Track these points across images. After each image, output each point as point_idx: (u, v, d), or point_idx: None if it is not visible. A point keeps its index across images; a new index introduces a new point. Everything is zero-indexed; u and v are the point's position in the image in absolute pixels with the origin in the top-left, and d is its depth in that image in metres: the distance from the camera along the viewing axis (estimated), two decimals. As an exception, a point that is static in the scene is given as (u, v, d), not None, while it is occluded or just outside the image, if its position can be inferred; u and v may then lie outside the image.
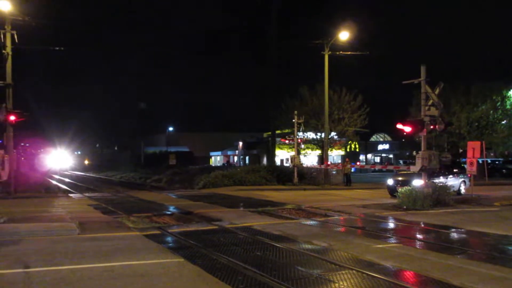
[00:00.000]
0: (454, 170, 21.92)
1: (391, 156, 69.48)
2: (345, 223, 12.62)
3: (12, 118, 19.67)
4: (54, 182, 33.65)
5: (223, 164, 70.05)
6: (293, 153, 31.68)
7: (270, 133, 40.42)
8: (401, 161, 57.64)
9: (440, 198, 16.25)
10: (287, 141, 36.07)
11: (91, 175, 53.32)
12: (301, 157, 36.87)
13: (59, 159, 52.95)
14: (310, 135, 38.93)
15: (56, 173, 48.74)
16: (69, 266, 7.47)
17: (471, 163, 18.97)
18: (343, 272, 7.16)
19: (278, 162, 49.78)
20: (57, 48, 23.92)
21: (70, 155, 61.02)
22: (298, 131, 30.86)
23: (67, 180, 40.96)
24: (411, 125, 16.19)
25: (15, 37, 21.13)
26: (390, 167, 32.54)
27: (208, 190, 24.85)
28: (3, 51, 20.89)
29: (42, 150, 50.51)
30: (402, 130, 16.54)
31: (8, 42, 20.99)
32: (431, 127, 16.14)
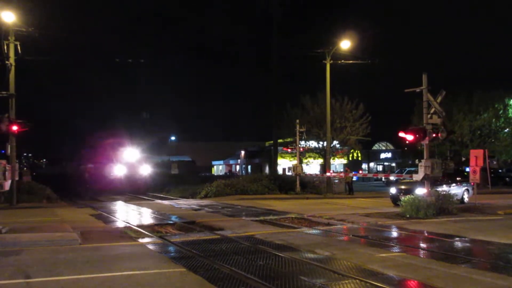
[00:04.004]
0: (457, 179, 21.84)
1: (393, 164, 69.33)
2: (348, 232, 12.54)
3: (15, 128, 19.71)
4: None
5: (225, 173, 70.01)
6: (295, 162, 31.62)
7: (272, 142, 40.35)
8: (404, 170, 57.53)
9: (444, 206, 16.16)
10: (289, 150, 36.00)
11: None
12: (303, 166, 36.81)
13: (130, 166, 34.47)
14: (312, 143, 38.86)
15: (122, 188, 32.70)
16: (70, 277, 7.43)
17: (474, 172, 18.88)
18: (347, 281, 7.10)
19: (280, 171, 49.61)
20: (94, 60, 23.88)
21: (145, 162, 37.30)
22: (300, 139, 30.84)
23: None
24: (413, 133, 16.15)
25: (19, 48, 21.28)
26: (391, 177, 32.47)
27: (210, 199, 24.80)
28: (6, 62, 21.01)
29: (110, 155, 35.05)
30: (404, 139, 16.51)
31: (12, 53, 21.11)
32: (434, 135, 16.11)
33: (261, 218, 15.73)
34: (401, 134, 16.27)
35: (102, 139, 38.28)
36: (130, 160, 34.30)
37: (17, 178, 21.01)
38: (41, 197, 22.86)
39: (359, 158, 59.37)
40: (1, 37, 20.59)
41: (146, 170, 34.80)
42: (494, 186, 29.99)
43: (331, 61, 29.33)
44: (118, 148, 34.97)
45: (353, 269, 7.91)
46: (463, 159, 35.72)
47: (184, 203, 22.67)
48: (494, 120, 35.44)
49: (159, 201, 25.20)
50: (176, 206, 21.33)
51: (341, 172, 42.33)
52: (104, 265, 8.30)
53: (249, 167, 67.10)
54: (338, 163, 54.21)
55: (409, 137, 16.15)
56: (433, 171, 15.92)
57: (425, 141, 16.26)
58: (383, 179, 45.02)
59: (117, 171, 33.23)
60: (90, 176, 38.71)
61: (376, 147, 69.26)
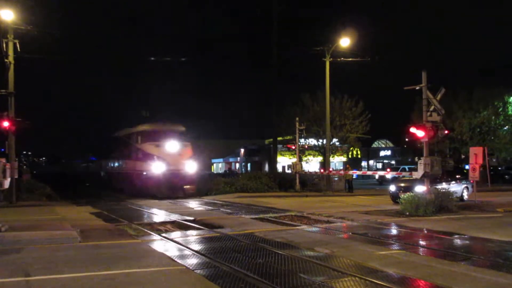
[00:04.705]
0: (457, 176, 21.85)
1: (393, 162, 69.42)
2: (348, 230, 12.55)
3: (14, 126, 19.71)
4: None
5: (225, 171, 69.99)
6: (295, 159, 31.64)
7: (271, 140, 40.39)
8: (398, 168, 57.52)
9: (443, 204, 16.16)
10: (293, 147, 36.03)
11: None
12: (303, 163, 36.82)
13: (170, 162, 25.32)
14: (312, 141, 38.93)
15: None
16: (70, 274, 7.43)
17: (474, 169, 18.89)
18: (346, 279, 7.11)
19: (280, 169, 49.70)
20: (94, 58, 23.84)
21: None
22: (300, 137, 30.84)
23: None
24: (424, 129, 16.09)
25: (18, 46, 21.24)
26: (389, 175, 32.44)
27: (209, 197, 24.80)
28: (6, 60, 20.97)
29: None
30: (414, 135, 16.48)
31: (11, 51, 21.06)
32: (446, 132, 16.18)
33: (261, 216, 15.73)
34: (412, 130, 16.27)
35: (122, 130, 31.01)
36: (170, 152, 25.27)
37: (16, 176, 20.99)
38: (41, 195, 22.86)
39: (359, 156, 59.49)
40: (0, 35, 20.56)
41: (192, 167, 25.92)
42: (493, 183, 30.06)
43: (331, 59, 29.30)
44: (149, 139, 26.17)
45: (352, 267, 7.92)
46: (463, 156, 35.74)
47: (183, 201, 22.67)
48: (493, 117, 35.47)
49: (158, 199, 25.20)
50: (175, 204, 21.33)
51: (340, 170, 42.42)
52: (103, 263, 8.30)
53: (248, 165, 67.14)
54: (337, 161, 54.32)
55: (420, 133, 16.12)
56: (433, 168, 15.92)
57: (425, 138, 16.25)
58: (376, 177, 44.87)
59: (153, 168, 24.97)
60: (108, 174, 35.09)
61: (375, 144, 69.36)
